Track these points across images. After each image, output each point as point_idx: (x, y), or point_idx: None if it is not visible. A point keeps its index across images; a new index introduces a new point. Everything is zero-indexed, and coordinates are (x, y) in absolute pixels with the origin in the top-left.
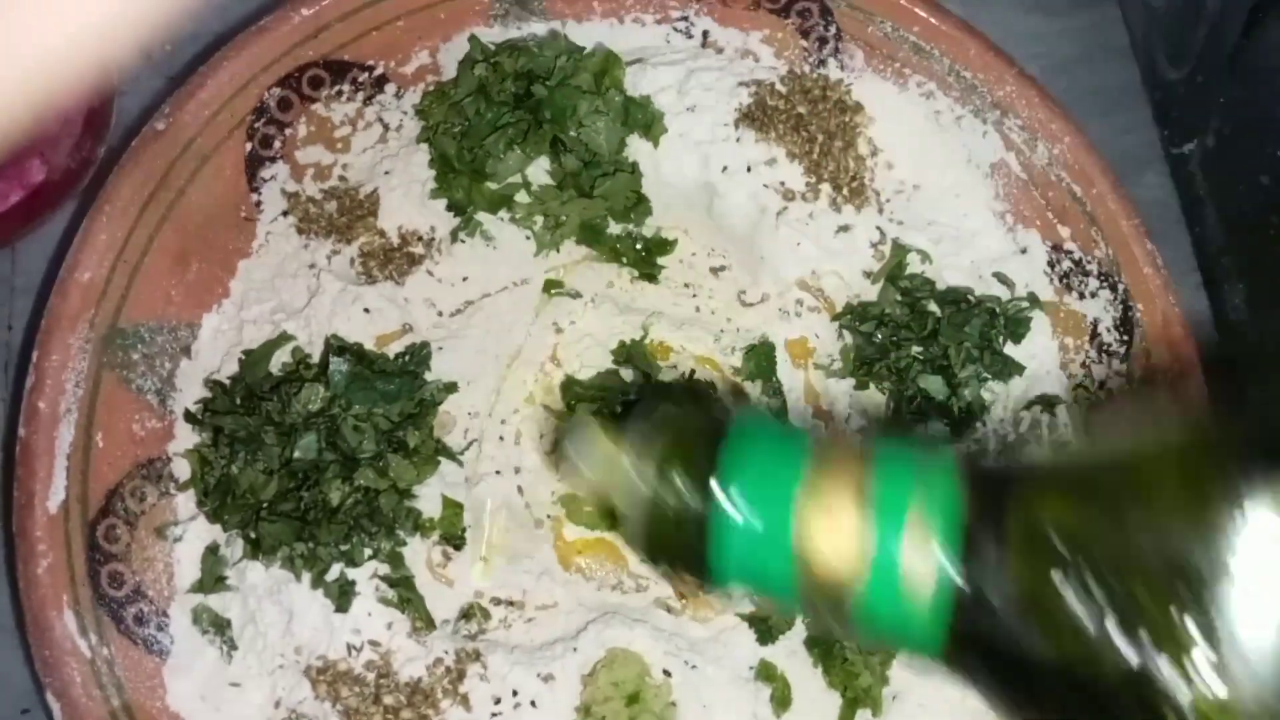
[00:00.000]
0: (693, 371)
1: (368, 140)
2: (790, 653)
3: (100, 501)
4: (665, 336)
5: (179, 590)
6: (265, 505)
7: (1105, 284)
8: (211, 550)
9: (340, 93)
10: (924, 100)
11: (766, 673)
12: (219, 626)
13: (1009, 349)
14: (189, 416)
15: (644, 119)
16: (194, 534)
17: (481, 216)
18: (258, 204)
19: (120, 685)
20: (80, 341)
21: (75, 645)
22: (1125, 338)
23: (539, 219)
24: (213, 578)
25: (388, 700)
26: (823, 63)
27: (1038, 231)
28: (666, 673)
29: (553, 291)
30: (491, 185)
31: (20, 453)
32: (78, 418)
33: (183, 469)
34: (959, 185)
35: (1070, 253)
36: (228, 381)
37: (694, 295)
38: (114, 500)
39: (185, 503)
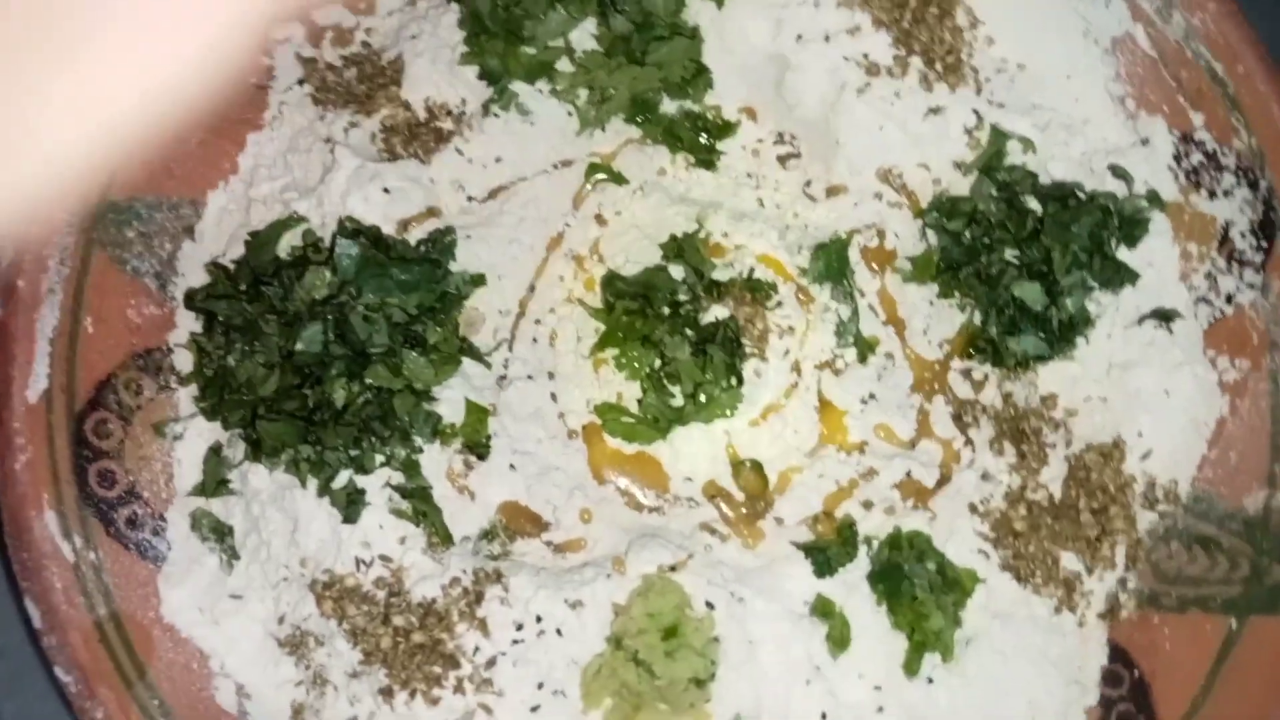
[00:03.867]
0: (751, 271)
1: (395, 1)
2: (851, 588)
3: (89, 393)
4: (723, 230)
5: (178, 493)
6: (265, 402)
7: (1244, 180)
8: (215, 451)
9: None
10: None
11: (823, 609)
12: (220, 533)
13: (1122, 254)
14: (188, 302)
15: None
16: (196, 433)
17: (518, 87)
18: (270, 70)
19: (108, 593)
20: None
21: (56, 547)
22: (1264, 244)
23: (583, 91)
24: (215, 480)
25: (398, 621)
26: None
27: (1164, 118)
28: (709, 604)
29: (597, 177)
30: (529, 50)
31: None
32: (63, 299)
33: (185, 361)
34: (1072, 63)
35: (1202, 144)
36: (232, 266)
37: (757, 186)
38: (105, 392)
39: (187, 398)
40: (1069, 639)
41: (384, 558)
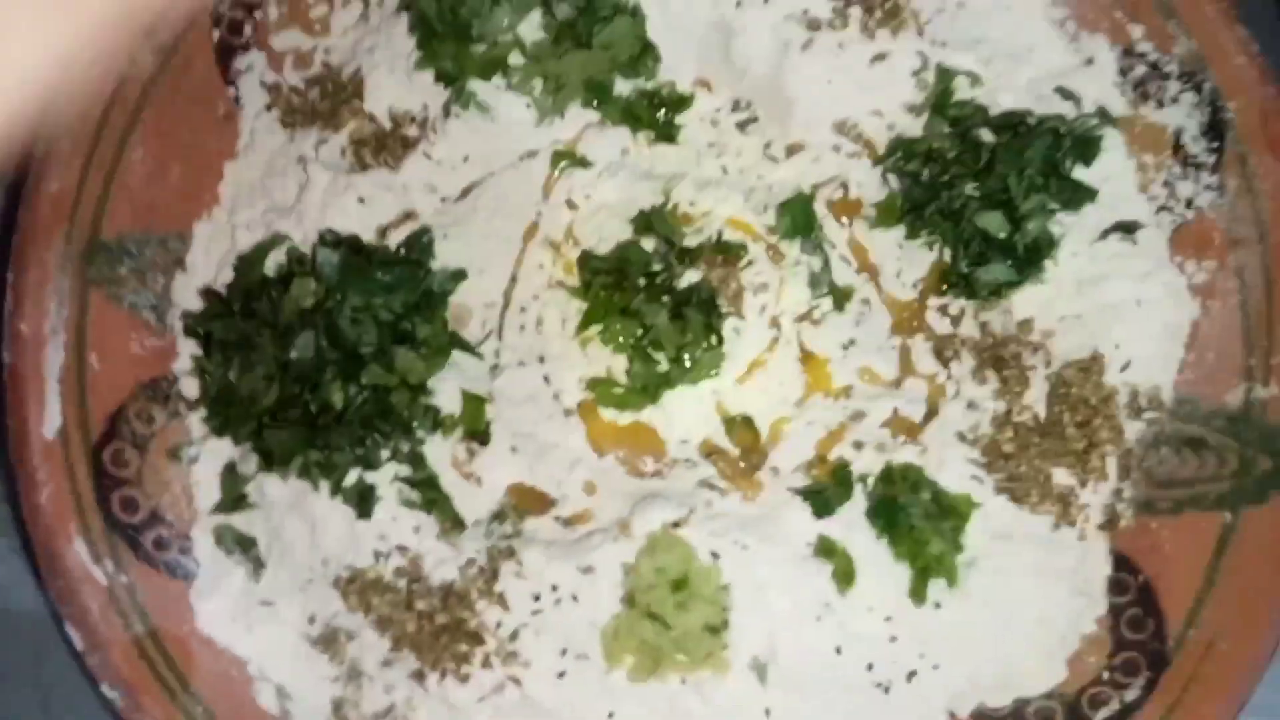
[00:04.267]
0: (720, 234)
1: (348, 19)
2: (850, 525)
3: (103, 425)
4: (690, 199)
5: (200, 512)
6: (269, 413)
7: (1188, 85)
8: (229, 468)
9: None
10: None
11: (826, 548)
12: (244, 545)
13: (1078, 173)
14: (187, 329)
15: None
16: (210, 453)
17: (474, 85)
18: (236, 99)
19: (144, 612)
20: (57, 257)
21: (89, 572)
22: (1215, 144)
23: (538, 82)
24: (233, 496)
25: (420, 605)
26: None
27: (1105, 35)
28: (715, 555)
29: (562, 164)
30: (480, 47)
31: (8, 379)
32: (66, 339)
33: (191, 387)
34: None
35: (1144, 55)
36: (223, 290)
37: (719, 155)
38: (118, 423)
39: (198, 422)
40: (1071, 553)
41: (401, 548)
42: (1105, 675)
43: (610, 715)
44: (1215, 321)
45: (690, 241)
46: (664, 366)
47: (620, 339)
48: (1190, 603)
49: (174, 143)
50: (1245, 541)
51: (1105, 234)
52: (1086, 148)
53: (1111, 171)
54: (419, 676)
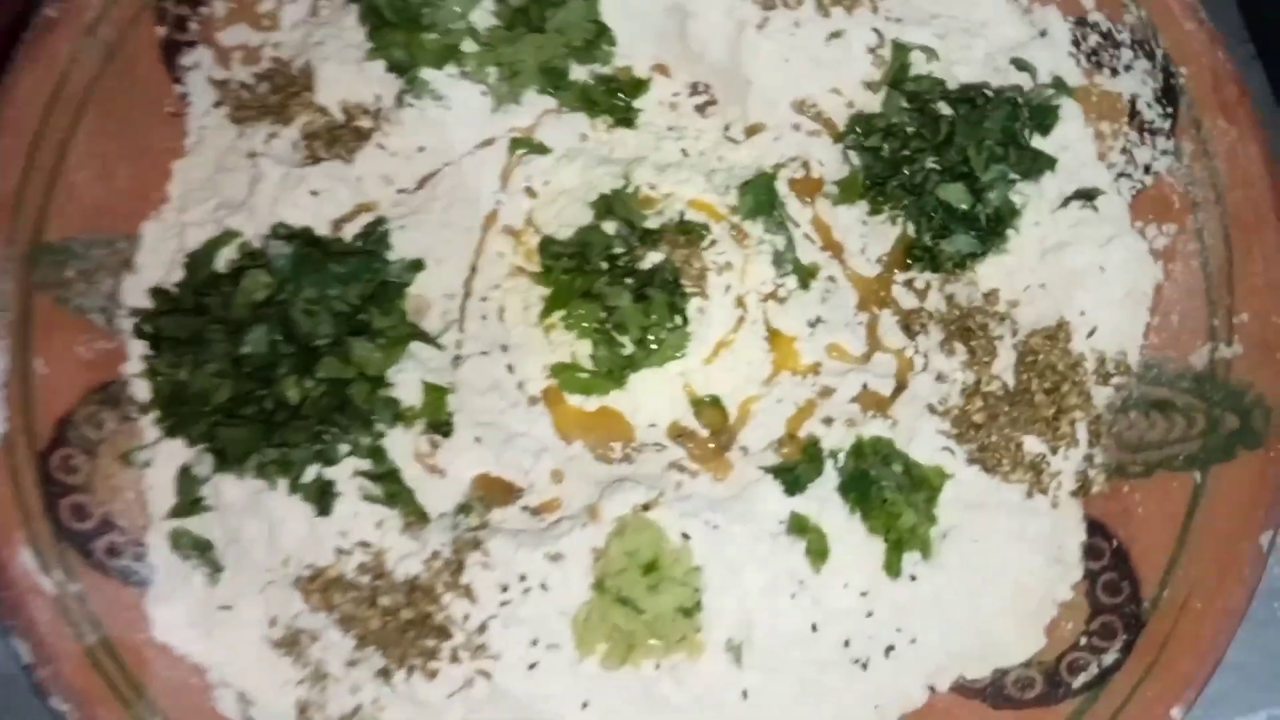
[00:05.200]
0: (682, 214)
1: (297, 12)
2: (823, 501)
3: (51, 431)
4: (651, 181)
5: (155, 517)
6: (222, 410)
7: (1140, 53)
8: (184, 471)
9: None
10: None
11: (799, 525)
12: (201, 549)
13: (1037, 142)
14: (137, 330)
15: None
16: (164, 457)
17: (427, 74)
18: (184, 97)
19: (96, 621)
20: None
21: (35, 583)
22: (1169, 110)
23: (492, 69)
24: (189, 500)
25: (385, 602)
26: None
27: (1057, 6)
28: (686, 536)
29: (520, 151)
30: (432, 35)
31: None
32: (10, 344)
33: (143, 390)
34: None
35: (1096, 25)
36: (174, 289)
37: (679, 138)
38: (67, 429)
39: (150, 425)
40: (1044, 520)
41: (363, 544)
42: (1083, 641)
43: (584, 705)
44: (1178, 284)
45: (652, 224)
46: (629, 349)
47: (584, 323)
48: (1164, 564)
49: (120, 142)
50: (1215, 499)
51: (1066, 202)
52: (1044, 117)
53: (1069, 140)
54: (385, 675)
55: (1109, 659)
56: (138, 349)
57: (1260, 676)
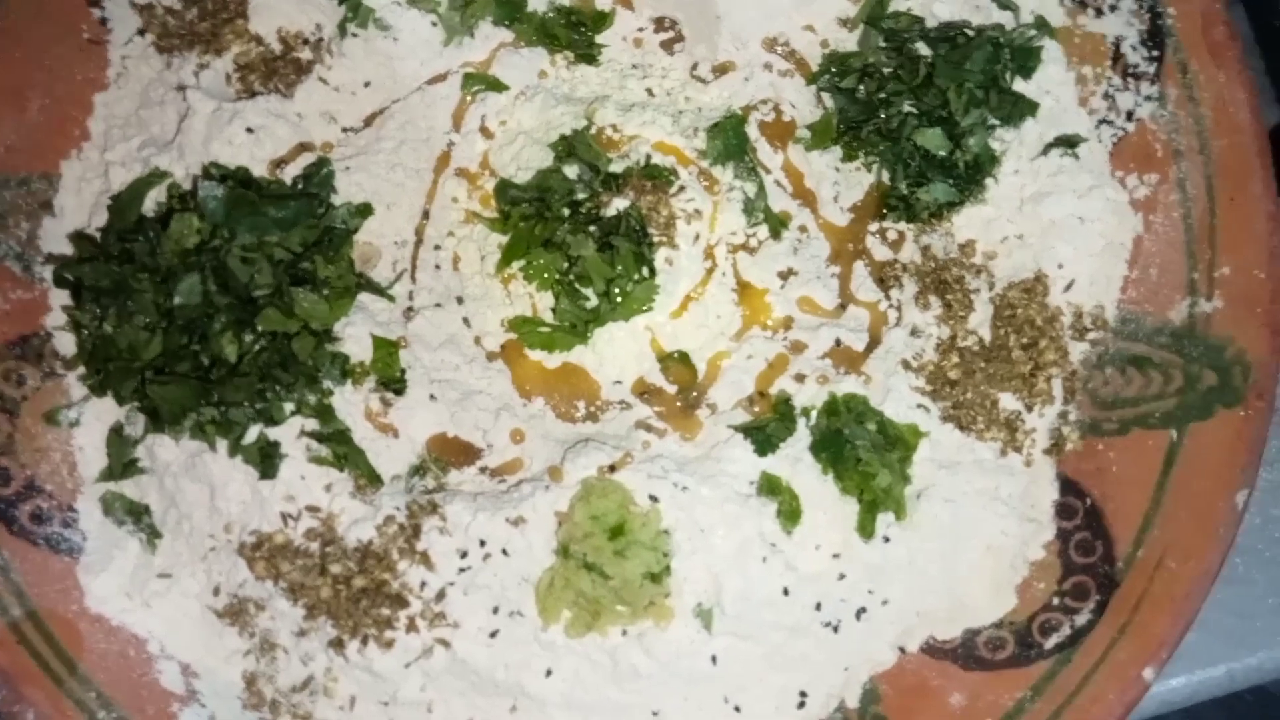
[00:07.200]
0: (649, 158)
1: None
2: (795, 461)
3: None
4: (614, 122)
5: (85, 480)
6: (153, 367)
7: None
8: (116, 431)
9: None
10: None
11: (770, 486)
12: (136, 514)
13: (1018, 86)
14: (56, 278)
15: None
16: (93, 416)
17: (373, 1)
18: (103, 21)
19: (21, 593)
20: None
21: None
22: (1155, 53)
23: None
24: (121, 461)
25: (335, 569)
26: None
27: None
28: (653, 498)
29: (474, 88)
30: None
31: None
32: None
33: (67, 344)
34: None
35: None
36: (97, 234)
37: (644, 76)
38: None
39: (76, 382)
40: (1018, 479)
41: (311, 508)
42: (1055, 601)
43: (548, 673)
44: (1158, 236)
45: (616, 167)
46: (593, 302)
47: (544, 274)
48: (1138, 523)
49: (32, 72)
50: (1191, 458)
51: (1047, 149)
52: (1026, 59)
53: (1051, 84)
54: (338, 645)
55: (1081, 620)
56: (60, 299)
57: (1220, 631)
